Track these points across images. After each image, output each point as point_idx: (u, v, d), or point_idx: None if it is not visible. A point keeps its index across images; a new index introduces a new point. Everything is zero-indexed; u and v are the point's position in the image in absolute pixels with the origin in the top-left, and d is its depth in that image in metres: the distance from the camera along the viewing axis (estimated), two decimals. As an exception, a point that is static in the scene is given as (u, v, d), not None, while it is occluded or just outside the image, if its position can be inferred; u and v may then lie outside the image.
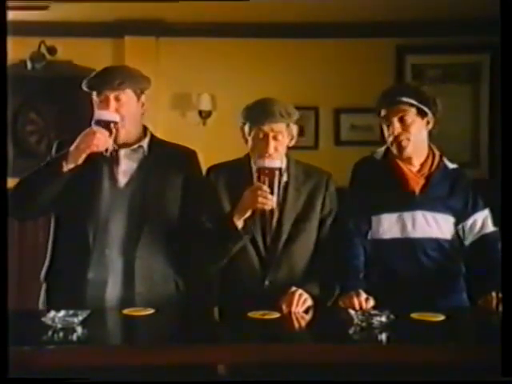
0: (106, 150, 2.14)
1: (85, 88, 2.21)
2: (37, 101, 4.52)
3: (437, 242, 2.31)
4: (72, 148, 2.09)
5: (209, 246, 2.17)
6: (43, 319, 1.80)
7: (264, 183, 2.07)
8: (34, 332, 1.80)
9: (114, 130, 2.10)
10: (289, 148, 2.26)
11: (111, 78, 2.17)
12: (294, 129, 2.23)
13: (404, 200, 2.29)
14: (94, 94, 2.19)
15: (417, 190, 2.29)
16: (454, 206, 2.32)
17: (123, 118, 2.16)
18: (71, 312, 1.83)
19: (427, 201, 2.29)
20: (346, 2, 3.96)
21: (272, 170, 2.07)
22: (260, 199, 2.05)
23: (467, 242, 2.35)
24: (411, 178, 2.30)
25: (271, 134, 2.15)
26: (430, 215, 2.29)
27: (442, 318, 1.95)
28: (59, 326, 1.78)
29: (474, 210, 2.34)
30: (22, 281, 3.57)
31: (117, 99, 2.17)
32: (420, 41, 4.42)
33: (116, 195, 2.20)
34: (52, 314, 1.82)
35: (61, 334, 1.75)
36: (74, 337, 1.74)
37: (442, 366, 1.68)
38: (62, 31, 4.33)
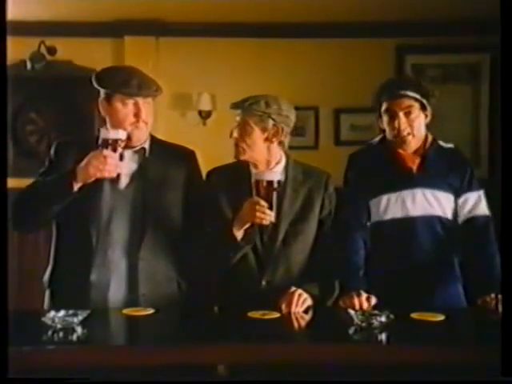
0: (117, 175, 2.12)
1: (122, 94, 2.13)
2: (37, 101, 4.52)
3: (438, 220, 2.30)
4: (81, 169, 2.04)
5: (210, 253, 2.16)
6: (43, 319, 1.80)
7: (262, 196, 2.05)
8: (34, 332, 1.80)
9: (120, 150, 2.06)
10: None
11: (148, 84, 2.16)
12: (270, 123, 2.18)
13: (402, 179, 2.30)
14: (118, 96, 2.14)
15: (414, 168, 2.30)
16: (453, 183, 2.31)
17: (147, 124, 2.18)
18: (71, 312, 1.83)
19: (426, 178, 2.29)
20: (346, 2, 3.96)
21: (271, 183, 2.06)
22: (258, 214, 2.03)
23: (459, 221, 2.33)
24: (407, 157, 2.31)
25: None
26: (429, 192, 2.29)
27: (441, 318, 1.95)
28: (59, 326, 1.78)
29: (468, 188, 2.32)
30: (22, 281, 3.57)
31: (147, 104, 2.17)
32: (420, 41, 4.42)
33: (117, 197, 2.19)
34: (52, 313, 1.82)
35: (61, 334, 1.75)
36: (74, 337, 1.74)
37: (442, 366, 1.68)
38: (62, 31, 4.32)
